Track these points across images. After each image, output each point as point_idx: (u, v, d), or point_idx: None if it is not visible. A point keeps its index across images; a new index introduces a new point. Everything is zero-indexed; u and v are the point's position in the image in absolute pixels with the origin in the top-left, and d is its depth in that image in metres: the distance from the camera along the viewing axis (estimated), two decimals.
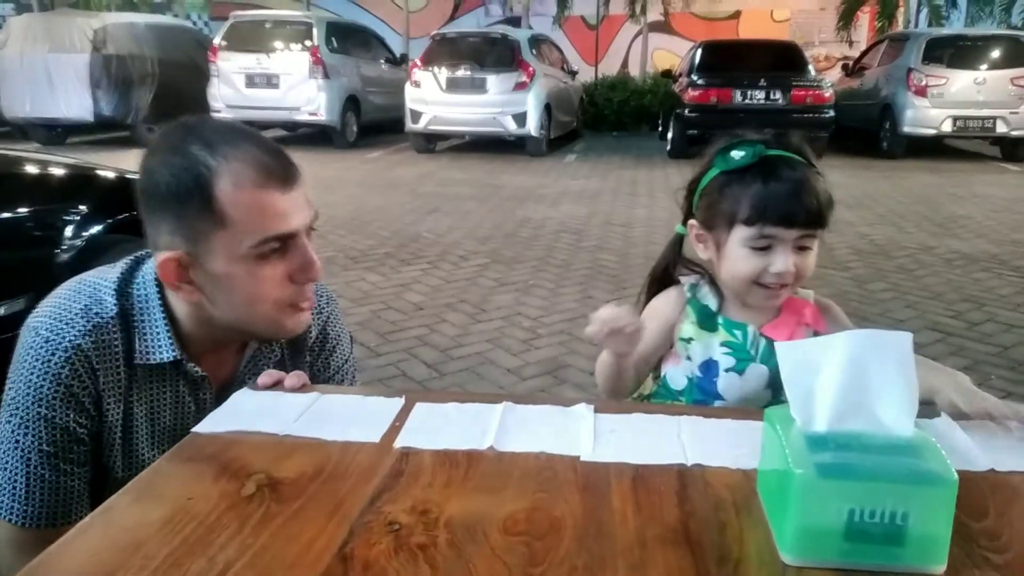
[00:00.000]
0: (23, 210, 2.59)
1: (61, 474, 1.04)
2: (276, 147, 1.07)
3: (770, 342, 1.21)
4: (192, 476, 0.86)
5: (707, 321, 1.26)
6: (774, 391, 1.22)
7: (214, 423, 0.97)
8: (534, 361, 3.46)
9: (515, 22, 15.43)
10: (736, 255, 1.19)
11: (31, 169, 2.99)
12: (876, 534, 0.68)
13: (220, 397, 1.15)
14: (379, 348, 3.59)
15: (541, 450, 0.91)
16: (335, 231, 5.87)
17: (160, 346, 1.08)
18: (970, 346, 3.65)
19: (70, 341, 1.03)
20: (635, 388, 1.32)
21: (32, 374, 1.02)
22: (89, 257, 2.49)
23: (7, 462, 1.03)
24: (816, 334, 1.22)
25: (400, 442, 0.93)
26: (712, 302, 1.27)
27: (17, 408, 1.03)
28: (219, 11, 16.84)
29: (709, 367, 1.24)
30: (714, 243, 1.23)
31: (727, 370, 1.23)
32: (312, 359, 1.29)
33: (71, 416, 1.03)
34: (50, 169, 3.05)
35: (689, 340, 1.26)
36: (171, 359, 1.08)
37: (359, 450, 0.91)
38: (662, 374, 1.32)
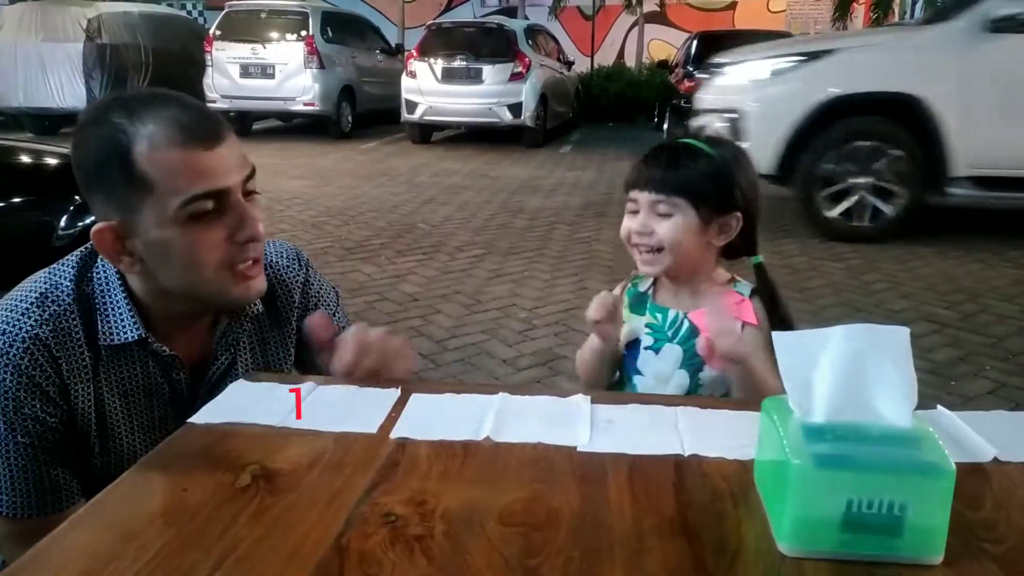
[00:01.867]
0: (16, 200, 2.57)
1: (42, 463, 1.03)
2: (199, 106, 1.04)
3: (692, 326, 1.29)
4: (187, 467, 0.86)
5: (637, 305, 1.37)
6: (689, 371, 1.30)
7: (209, 414, 0.97)
8: (529, 352, 3.46)
9: (511, 12, 15.35)
10: (624, 220, 1.33)
11: (24, 159, 2.97)
12: (874, 525, 0.68)
13: (197, 377, 1.15)
14: None
15: (538, 441, 0.90)
16: (330, 221, 5.85)
17: (123, 326, 1.06)
18: (964, 337, 3.66)
19: (27, 331, 1.01)
20: (611, 377, 1.40)
21: None
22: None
23: None
24: (743, 326, 1.26)
25: (396, 433, 0.92)
26: (645, 285, 1.38)
27: None
28: (214, 0, 16.75)
29: (634, 345, 1.35)
30: None
31: (646, 348, 1.32)
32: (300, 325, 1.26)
33: (38, 406, 1.02)
34: (43, 159, 3.03)
35: (624, 323, 1.36)
36: (135, 338, 1.06)
37: (355, 441, 0.91)
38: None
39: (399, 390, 1.03)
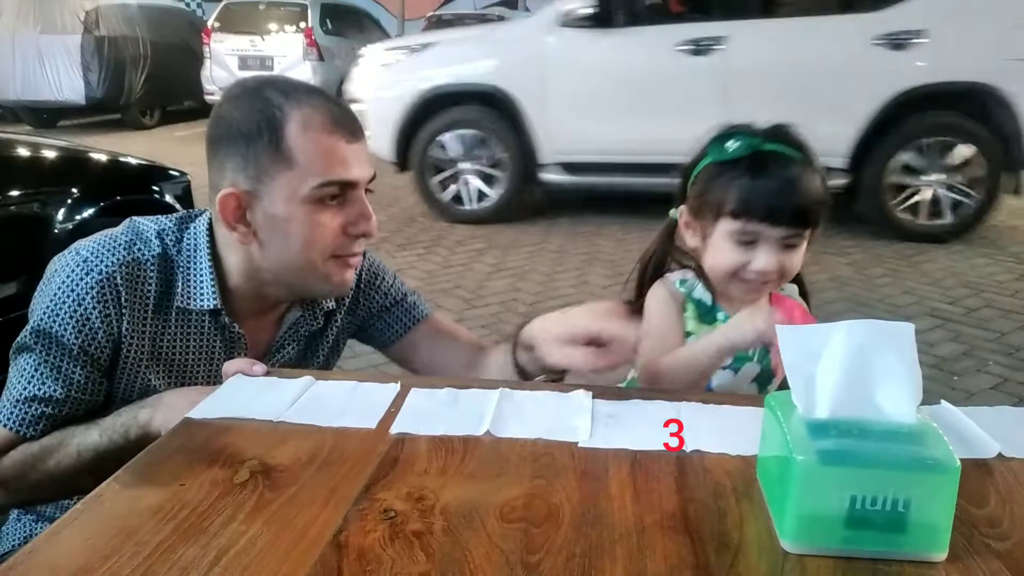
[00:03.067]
0: (13, 193, 2.56)
1: (57, 390, 1.05)
2: (345, 103, 1.11)
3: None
4: (185, 462, 0.85)
5: (706, 315, 1.24)
6: (759, 387, 1.24)
7: (207, 409, 0.96)
8: None
9: (511, 3, 15.31)
10: (719, 247, 1.17)
11: (21, 151, 2.96)
12: (877, 521, 0.68)
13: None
14: None
15: (538, 436, 0.90)
16: None
17: (203, 293, 1.09)
18: (968, 332, 3.66)
19: (106, 266, 1.05)
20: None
21: (60, 288, 1.04)
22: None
23: (14, 366, 1.07)
24: None
25: (396, 428, 0.92)
26: (706, 296, 1.24)
27: (35, 317, 1.05)
28: None
29: None
30: (701, 232, 1.21)
31: (724, 368, 1.20)
32: (361, 312, 1.32)
33: (82, 341, 1.05)
34: (41, 152, 3.02)
35: (688, 334, 1.24)
36: (211, 307, 1.10)
37: (354, 436, 0.90)
38: None
39: (398, 385, 1.03)
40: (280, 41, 10.43)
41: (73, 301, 1.04)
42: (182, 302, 1.09)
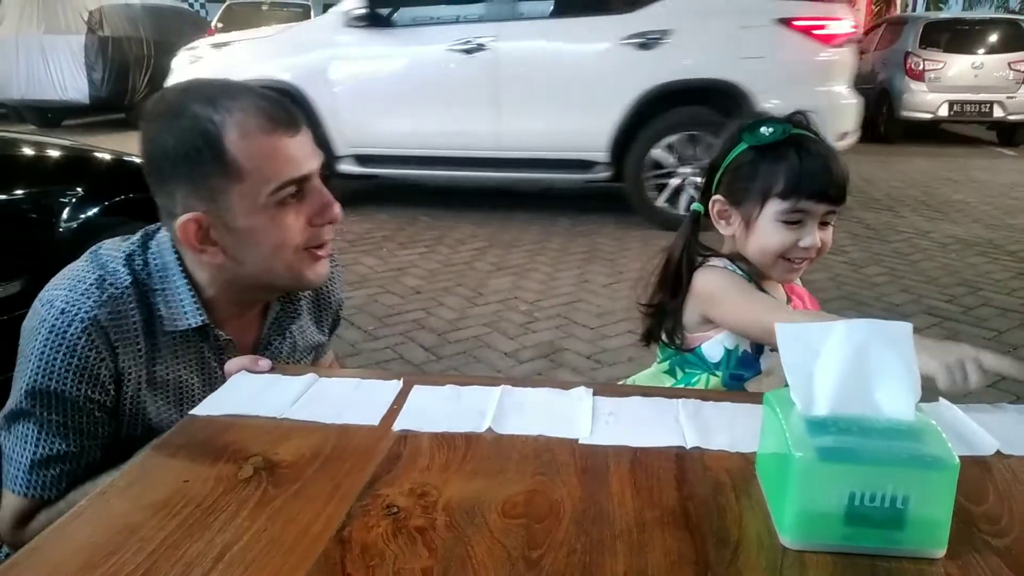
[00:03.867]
0: (18, 192, 2.57)
1: (69, 445, 1.03)
2: (274, 95, 1.07)
3: None
4: (189, 459, 0.85)
5: None
6: None
7: (211, 406, 0.97)
8: (531, 344, 3.46)
9: None
10: (767, 229, 1.21)
11: (26, 151, 2.97)
12: (876, 518, 0.68)
13: None
14: (376, 332, 3.58)
15: (539, 433, 0.90)
16: None
17: (185, 312, 1.07)
18: (965, 330, 3.66)
19: (86, 312, 1.01)
20: None
21: (46, 345, 1.01)
22: (84, 239, 2.47)
23: (15, 433, 1.04)
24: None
25: (398, 425, 0.92)
26: (743, 274, 1.28)
27: (28, 379, 1.01)
28: None
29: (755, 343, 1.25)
30: (742, 218, 1.25)
31: (772, 349, 1.22)
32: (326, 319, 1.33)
33: (84, 390, 1.02)
34: (45, 151, 3.02)
35: None
36: (198, 324, 1.08)
37: (357, 433, 0.91)
38: (698, 346, 1.30)
39: (401, 382, 1.03)
40: None
41: (66, 353, 1.00)
42: (169, 325, 1.07)
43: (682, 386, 1.29)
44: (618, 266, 4.54)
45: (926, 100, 9.90)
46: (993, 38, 10.17)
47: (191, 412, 0.96)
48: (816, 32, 5.01)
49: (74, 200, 2.60)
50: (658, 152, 5.26)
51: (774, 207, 1.20)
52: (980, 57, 9.96)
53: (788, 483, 0.70)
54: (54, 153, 3.01)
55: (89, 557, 0.68)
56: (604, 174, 5.34)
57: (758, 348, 1.26)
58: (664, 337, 1.33)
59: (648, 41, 5.10)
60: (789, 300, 1.32)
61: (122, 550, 0.69)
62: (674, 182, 5.30)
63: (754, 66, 4.98)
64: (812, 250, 1.20)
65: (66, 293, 1.03)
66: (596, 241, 5.22)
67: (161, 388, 1.09)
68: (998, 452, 0.88)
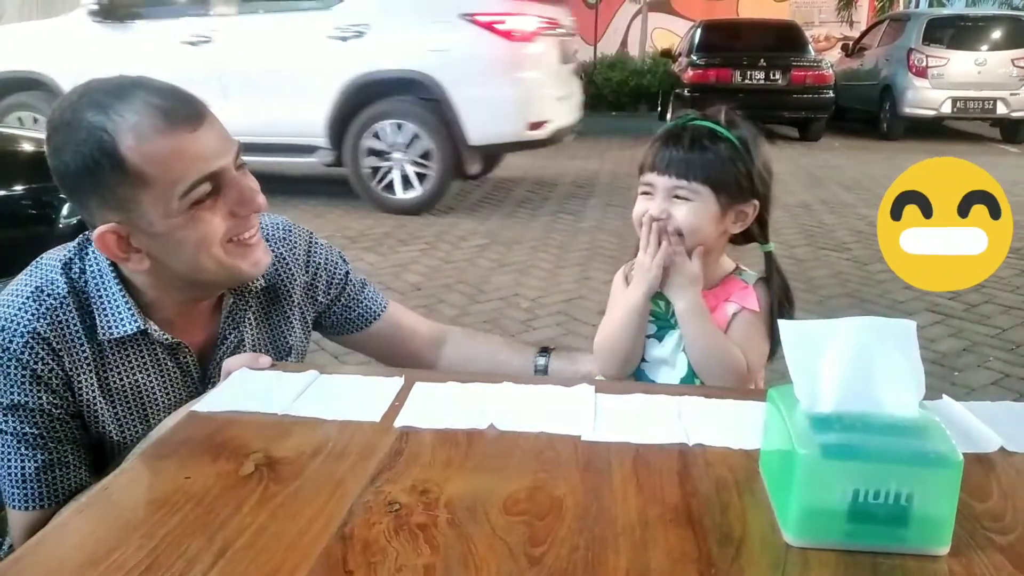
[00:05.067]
0: (17, 188, 2.57)
1: (51, 452, 1.03)
2: (170, 87, 1.02)
3: None
4: (190, 455, 0.85)
5: None
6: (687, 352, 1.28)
7: (212, 402, 0.97)
8: (532, 342, 3.43)
9: None
10: (636, 202, 1.28)
11: (25, 147, 2.97)
12: (880, 515, 0.68)
13: (206, 359, 1.15)
14: None
15: (541, 430, 0.90)
16: (333, 211, 5.84)
17: (121, 319, 1.05)
18: (968, 327, 3.65)
19: (25, 326, 1.00)
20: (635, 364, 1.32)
21: None
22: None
23: (1, 451, 1.02)
24: (740, 310, 1.26)
25: (400, 421, 0.92)
26: None
27: None
28: None
29: None
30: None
31: (648, 336, 1.28)
32: (320, 299, 1.29)
33: (44, 398, 1.01)
34: (44, 148, 3.02)
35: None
36: (134, 330, 1.05)
37: (358, 429, 0.90)
38: None
39: (402, 379, 1.03)
40: None
41: (15, 365, 0.99)
42: (104, 333, 1.04)
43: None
44: (620, 263, 4.50)
45: (929, 97, 9.88)
46: (996, 34, 10.15)
47: (192, 408, 0.96)
48: (498, 27, 5.39)
49: None
50: (370, 140, 5.63)
51: (640, 182, 1.28)
52: (983, 54, 9.93)
53: (792, 480, 0.70)
54: None
55: (91, 552, 0.68)
56: (328, 158, 5.73)
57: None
58: None
59: (348, 35, 5.49)
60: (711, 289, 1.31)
61: (124, 546, 0.69)
62: (386, 166, 5.69)
63: (441, 58, 5.37)
64: (655, 218, 1.23)
65: (4, 309, 1.01)
66: (597, 238, 5.21)
67: (119, 396, 1.08)
68: (1002, 449, 0.87)
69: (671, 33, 16.59)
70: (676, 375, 1.27)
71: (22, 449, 1.01)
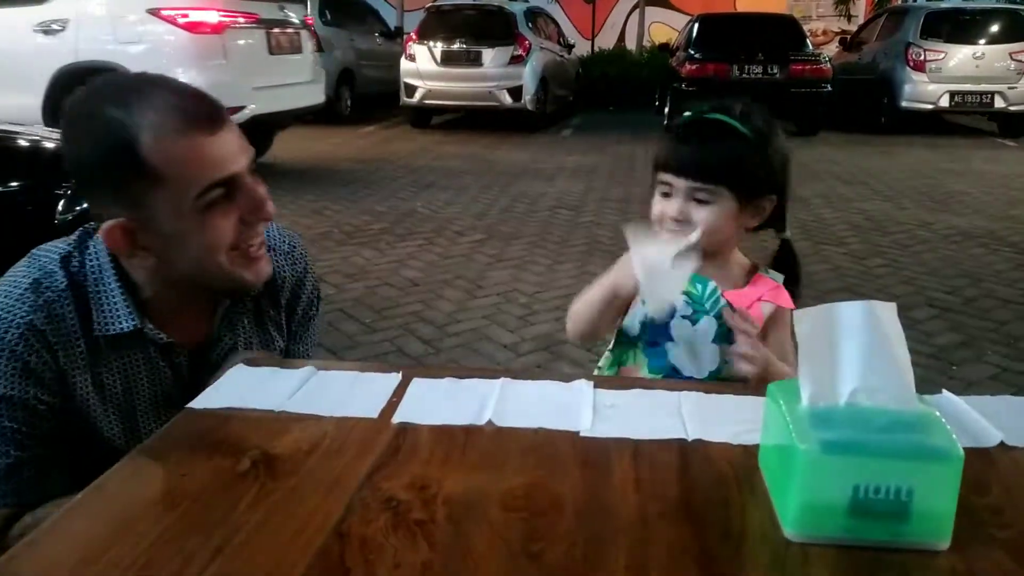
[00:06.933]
0: (13, 184, 2.56)
1: (27, 449, 1.01)
2: (192, 89, 1.02)
3: (727, 303, 1.27)
4: (186, 453, 0.85)
5: None
6: (720, 346, 1.27)
7: (208, 399, 0.96)
8: (530, 337, 3.46)
9: None
10: (654, 200, 1.29)
11: (21, 143, 2.95)
12: (880, 510, 0.68)
13: (198, 359, 1.14)
14: (375, 324, 3.57)
15: (540, 426, 0.90)
16: (330, 206, 5.83)
17: (118, 315, 1.04)
18: (966, 322, 3.66)
19: (22, 318, 1.00)
20: (611, 328, 1.36)
21: None
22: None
23: None
24: (776, 309, 1.27)
25: (397, 418, 0.91)
26: None
27: None
28: None
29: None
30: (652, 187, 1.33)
31: (683, 316, 1.28)
32: (288, 312, 1.27)
33: (32, 392, 1.00)
34: (41, 143, 3.01)
35: None
36: (130, 328, 1.05)
37: (355, 426, 0.90)
38: (621, 326, 1.35)
39: (400, 375, 1.03)
40: None
41: (8, 357, 0.98)
42: (100, 329, 1.04)
43: (628, 366, 1.33)
44: (618, 257, 4.52)
45: (927, 91, 9.87)
46: (994, 28, 10.14)
47: (188, 405, 0.95)
48: (181, 21, 5.91)
49: (70, 191, 2.59)
50: None
51: (657, 179, 1.28)
52: (981, 47, 9.92)
53: (792, 476, 0.70)
54: (49, 145, 3.00)
55: (87, 551, 0.68)
56: None
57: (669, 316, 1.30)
58: None
59: (52, 29, 5.97)
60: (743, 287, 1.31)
61: (120, 544, 0.68)
62: None
63: (133, 50, 5.85)
64: (674, 219, 1.23)
65: (2, 300, 1.01)
66: (596, 233, 5.21)
67: (110, 393, 1.07)
68: (1002, 444, 0.87)
69: (668, 27, 16.58)
70: (705, 366, 1.27)
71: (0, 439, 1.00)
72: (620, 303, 1.30)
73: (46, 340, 1.01)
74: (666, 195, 1.25)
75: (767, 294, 1.27)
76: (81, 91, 1.02)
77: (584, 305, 1.32)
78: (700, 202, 1.22)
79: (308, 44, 7.36)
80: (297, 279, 1.27)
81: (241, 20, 6.25)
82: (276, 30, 6.72)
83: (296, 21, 7.13)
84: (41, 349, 1.01)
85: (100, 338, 1.05)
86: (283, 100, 6.72)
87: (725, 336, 1.26)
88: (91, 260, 1.06)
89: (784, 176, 1.27)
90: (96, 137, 0.97)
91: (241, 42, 6.28)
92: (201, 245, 1.01)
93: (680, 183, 1.23)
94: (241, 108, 5.92)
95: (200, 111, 0.99)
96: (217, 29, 6.01)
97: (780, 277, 1.32)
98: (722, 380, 1.24)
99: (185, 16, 5.92)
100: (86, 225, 1.10)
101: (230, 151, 1.00)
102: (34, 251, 1.08)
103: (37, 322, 1.00)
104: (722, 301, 1.27)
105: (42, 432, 1.03)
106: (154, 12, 5.92)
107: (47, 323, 1.01)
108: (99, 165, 0.97)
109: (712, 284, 1.29)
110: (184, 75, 5.74)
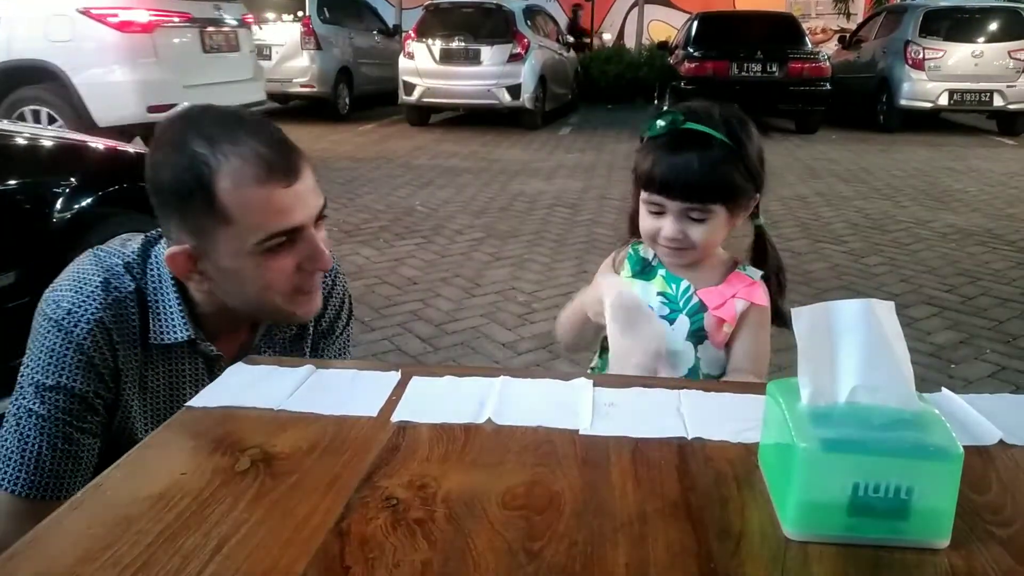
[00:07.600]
0: (11, 182, 2.55)
1: (72, 443, 1.05)
2: (279, 138, 1.05)
3: (700, 302, 1.28)
4: (185, 451, 0.85)
5: (645, 271, 1.34)
6: (694, 345, 1.28)
7: (208, 397, 0.96)
8: (529, 336, 3.46)
9: None
10: (643, 214, 1.28)
11: (19, 142, 2.95)
12: (880, 509, 0.68)
13: None
14: (373, 323, 3.57)
15: (539, 424, 0.90)
16: (328, 204, 5.82)
17: (174, 326, 1.09)
18: (965, 320, 3.66)
19: (92, 314, 1.04)
20: (591, 342, 1.41)
21: (55, 343, 1.03)
22: (78, 230, 2.46)
23: (18, 431, 1.03)
24: (749, 307, 1.26)
25: (397, 416, 0.91)
26: (648, 253, 1.35)
27: (36, 377, 1.03)
28: None
29: None
30: (635, 200, 1.32)
31: (661, 316, 1.28)
32: (327, 331, 1.31)
33: (91, 387, 1.05)
34: (39, 142, 3.00)
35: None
36: (185, 339, 1.09)
37: (355, 424, 0.90)
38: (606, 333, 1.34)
39: (399, 373, 1.03)
40: (278, 30, 10.35)
41: (74, 351, 1.03)
42: (156, 338, 1.08)
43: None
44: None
45: (926, 89, 9.88)
46: (993, 26, 10.15)
47: (188, 404, 0.95)
48: (110, 20, 6.03)
49: (68, 191, 2.58)
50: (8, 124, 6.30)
51: (644, 195, 1.26)
52: (980, 46, 9.93)
53: (791, 474, 0.70)
54: (47, 144, 2.99)
55: (87, 549, 0.68)
56: None
57: None
58: None
59: None
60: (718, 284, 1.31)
61: (119, 542, 0.68)
62: None
63: (64, 48, 6.01)
64: (673, 241, 1.24)
65: (72, 295, 1.05)
66: (594, 231, 5.21)
67: (151, 397, 1.11)
68: (1001, 442, 0.87)
69: (667, 25, 16.58)
70: (683, 365, 1.27)
71: (48, 429, 1.03)
72: (595, 324, 1.32)
73: (111, 338, 1.05)
74: (656, 213, 1.25)
75: (741, 291, 1.27)
76: (176, 115, 1.06)
77: (566, 319, 1.37)
78: (695, 220, 1.23)
79: (247, 43, 7.47)
80: (335, 312, 1.32)
81: (174, 19, 6.41)
82: (211, 29, 6.86)
83: (232, 21, 7.25)
84: (105, 346, 1.05)
85: (153, 345, 1.09)
86: (218, 98, 6.83)
87: (697, 334, 1.28)
88: (152, 270, 1.10)
89: (762, 169, 1.28)
90: (178, 167, 1.00)
91: (174, 40, 6.43)
92: (256, 284, 1.05)
93: (673, 205, 1.23)
94: (172, 105, 5.99)
95: (279, 163, 1.02)
96: (147, 28, 6.15)
97: (758, 274, 1.32)
98: (698, 379, 1.25)
99: (115, 16, 6.05)
100: (148, 234, 1.15)
101: (300, 203, 1.04)
102: (96, 251, 1.12)
103: (106, 320, 1.05)
104: (694, 300, 1.28)
105: (88, 428, 1.06)
106: (84, 12, 6.04)
107: (114, 322, 1.05)
108: (175, 192, 1.01)
109: (685, 283, 1.30)
110: (115, 73, 6.03)
